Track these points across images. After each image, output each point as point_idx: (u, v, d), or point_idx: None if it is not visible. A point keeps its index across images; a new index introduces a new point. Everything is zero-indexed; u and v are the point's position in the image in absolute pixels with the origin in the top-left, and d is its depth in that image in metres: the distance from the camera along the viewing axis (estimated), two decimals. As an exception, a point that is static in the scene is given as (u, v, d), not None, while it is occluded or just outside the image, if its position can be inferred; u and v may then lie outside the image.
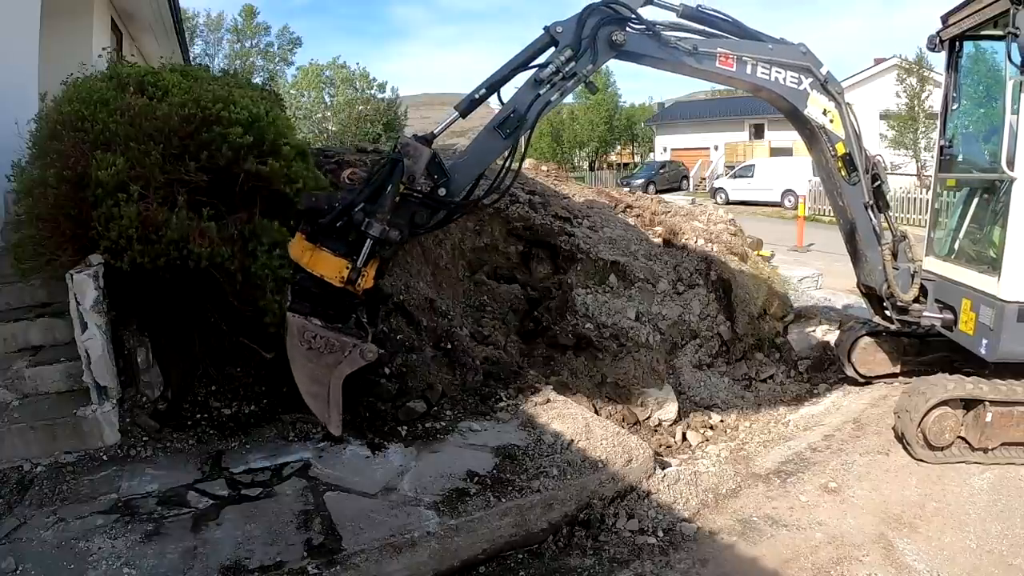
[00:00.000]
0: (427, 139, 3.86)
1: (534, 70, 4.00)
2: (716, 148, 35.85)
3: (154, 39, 12.24)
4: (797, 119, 4.82)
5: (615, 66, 63.29)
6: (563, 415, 4.56)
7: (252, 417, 4.41)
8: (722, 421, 5.90)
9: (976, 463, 4.36)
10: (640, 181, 31.17)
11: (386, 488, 3.69)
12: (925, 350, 5.60)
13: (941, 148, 5.07)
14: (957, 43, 4.79)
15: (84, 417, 3.92)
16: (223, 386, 4.56)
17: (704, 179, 34.07)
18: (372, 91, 38.60)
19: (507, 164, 4.03)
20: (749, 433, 5.46)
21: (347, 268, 3.62)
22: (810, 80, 4.62)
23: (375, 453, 4.08)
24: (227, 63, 36.42)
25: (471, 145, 4.20)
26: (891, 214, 5.12)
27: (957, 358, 5.07)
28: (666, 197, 10.69)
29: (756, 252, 8.90)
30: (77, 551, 3.07)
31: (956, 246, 4.88)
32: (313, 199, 3.82)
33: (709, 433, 5.72)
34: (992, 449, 4.35)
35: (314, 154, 6.04)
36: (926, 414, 4.28)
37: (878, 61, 29.83)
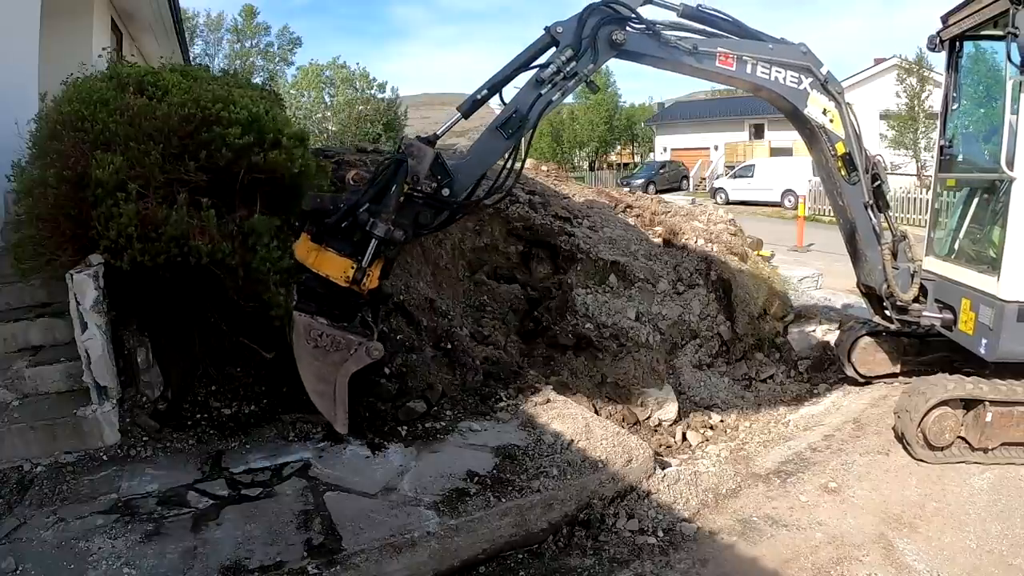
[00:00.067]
0: (430, 140, 3.88)
1: (535, 70, 4.01)
2: (716, 148, 35.84)
3: (154, 39, 12.24)
4: (797, 119, 4.82)
5: (615, 66, 63.45)
6: (563, 415, 4.56)
7: (252, 417, 4.41)
8: (722, 421, 5.90)
9: (976, 463, 4.36)
10: (640, 181, 31.17)
11: (386, 488, 3.69)
12: (925, 350, 5.60)
13: (941, 148, 5.07)
14: (957, 43, 4.79)
15: (84, 417, 3.92)
16: (223, 386, 4.56)
17: (704, 179, 34.06)
18: (372, 91, 38.59)
19: (509, 164, 4.04)
20: (749, 433, 5.46)
21: (352, 268, 3.64)
22: (810, 80, 4.62)
23: (375, 453, 4.08)
24: (227, 63, 36.44)
25: (474, 145, 4.21)
26: (891, 214, 5.12)
27: (957, 358, 5.07)
28: (666, 197, 10.69)
29: (756, 252, 8.90)
30: (77, 551, 3.07)
31: (956, 246, 4.89)
32: (318, 200, 3.84)
33: (709, 433, 5.72)
34: (992, 449, 4.35)
35: (313, 154, 6.03)
36: (926, 414, 4.28)
37: (878, 61, 29.83)
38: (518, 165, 4.07)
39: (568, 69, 3.95)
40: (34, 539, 3.16)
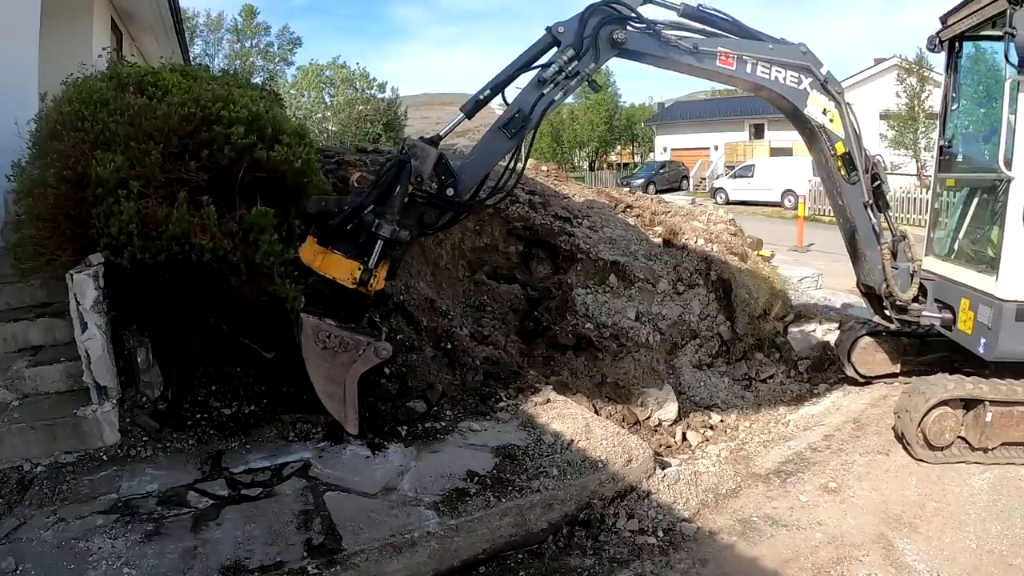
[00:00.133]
0: (433, 140, 3.90)
1: (537, 70, 4.03)
2: (716, 148, 35.86)
3: (154, 39, 12.23)
4: (797, 118, 4.83)
5: (615, 66, 63.55)
6: (563, 415, 4.56)
7: (252, 417, 4.41)
8: (722, 421, 5.90)
9: (976, 463, 4.36)
10: (640, 181, 31.19)
11: (386, 488, 3.69)
12: (925, 350, 5.60)
13: (941, 148, 5.08)
14: (956, 43, 4.80)
15: (84, 417, 3.91)
16: (223, 386, 4.56)
17: (704, 179, 34.07)
18: (372, 91, 38.62)
19: (511, 164, 4.06)
20: (749, 433, 5.46)
21: (359, 269, 3.65)
22: (810, 80, 4.63)
23: (375, 453, 4.08)
24: (227, 63, 36.44)
25: (477, 146, 4.22)
26: (891, 214, 5.13)
27: (957, 358, 5.07)
28: (666, 197, 10.69)
29: (756, 252, 8.90)
30: (77, 551, 3.07)
31: (955, 246, 4.89)
32: (323, 203, 3.85)
33: (709, 433, 5.72)
34: (992, 449, 4.35)
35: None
36: (926, 414, 4.29)
37: (878, 61, 29.86)
38: (520, 165, 4.09)
39: (570, 69, 3.97)
40: (34, 539, 3.16)
